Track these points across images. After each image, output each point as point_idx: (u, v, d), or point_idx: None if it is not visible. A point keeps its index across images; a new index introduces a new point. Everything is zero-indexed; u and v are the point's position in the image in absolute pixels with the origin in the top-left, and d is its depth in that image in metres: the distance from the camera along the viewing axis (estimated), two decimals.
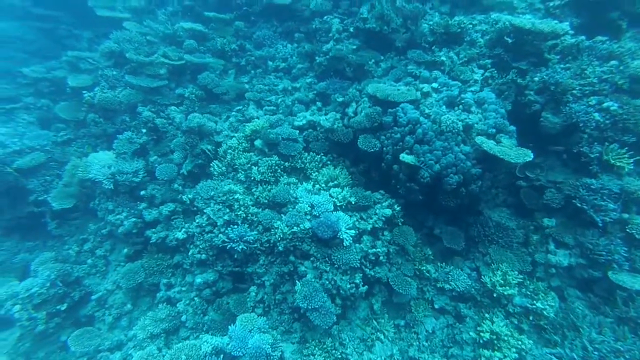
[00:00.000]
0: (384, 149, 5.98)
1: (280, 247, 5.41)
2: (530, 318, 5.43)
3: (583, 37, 6.06)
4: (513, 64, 6.22)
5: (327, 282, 5.32)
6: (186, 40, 8.86)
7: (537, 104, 6.00)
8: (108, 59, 8.62)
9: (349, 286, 5.32)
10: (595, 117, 5.46)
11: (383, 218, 5.80)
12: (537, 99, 6.01)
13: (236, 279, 6.01)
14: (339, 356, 5.18)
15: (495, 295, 5.48)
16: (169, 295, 6.08)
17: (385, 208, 5.85)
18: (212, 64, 8.45)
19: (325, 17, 8.28)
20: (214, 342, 4.71)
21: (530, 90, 6.03)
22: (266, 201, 5.97)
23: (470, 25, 6.75)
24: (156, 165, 6.68)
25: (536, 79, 6.01)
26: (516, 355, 5.01)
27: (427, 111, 5.90)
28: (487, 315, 5.44)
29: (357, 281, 5.40)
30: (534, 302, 5.38)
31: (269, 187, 6.12)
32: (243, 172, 6.22)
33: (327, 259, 5.47)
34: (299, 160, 6.42)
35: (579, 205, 5.43)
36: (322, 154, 6.63)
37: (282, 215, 5.79)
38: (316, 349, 5.20)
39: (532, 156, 5.12)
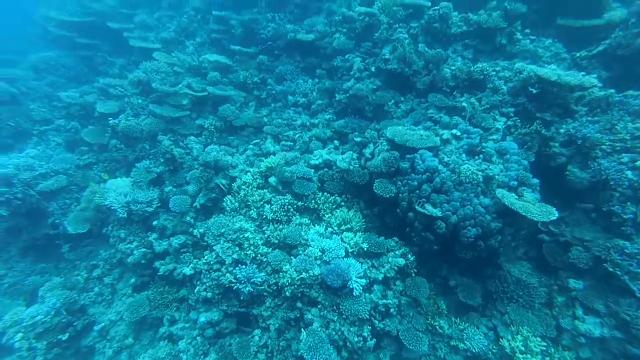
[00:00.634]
0: (400, 195, 5.82)
1: (287, 293, 5.23)
2: None
3: (613, 91, 5.85)
4: (537, 114, 6.05)
5: (334, 333, 5.07)
6: (210, 72, 9.15)
7: (563, 157, 5.75)
8: (136, 87, 8.96)
9: (356, 339, 5.05)
10: (628, 176, 5.16)
11: (396, 267, 5.56)
12: (563, 151, 5.78)
13: (241, 319, 5.83)
14: None
15: None
16: (172, 332, 5.94)
17: (398, 257, 5.62)
18: (234, 97, 8.63)
19: (347, 56, 8.39)
20: None
21: (555, 142, 5.81)
22: (277, 241, 5.85)
23: (494, 72, 6.66)
24: (171, 195, 6.71)
25: (562, 130, 5.80)
26: None
27: (446, 159, 5.75)
28: None
29: (366, 334, 5.12)
30: None
31: (281, 226, 6.02)
32: (255, 210, 6.16)
33: (335, 307, 5.25)
34: (313, 201, 6.33)
35: (610, 269, 5.05)
36: (336, 194, 6.52)
37: (292, 257, 5.64)
38: None
39: (557, 215, 4.85)
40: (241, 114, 8.31)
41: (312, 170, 6.65)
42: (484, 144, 5.88)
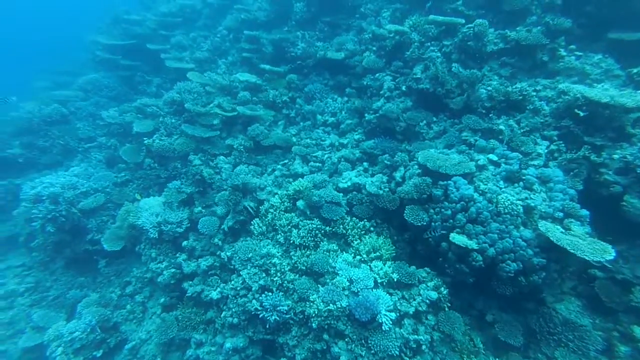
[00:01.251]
0: (433, 223, 5.55)
1: (314, 324, 5.09)
2: None
3: None
4: (585, 138, 5.60)
5: None
6: (241, 91, 9.30)
7: (618, 186, 5.25)
8: (170, 106, 9.28)
9: None
10: None
11: (428, 301, 5.26)
12: (618, 179, 5.28)
13: (266, 347, 5.74)
14: None
15: None
16: (198, 355, 5.94)
17: (430, 290, 5.33)
18: (263, 116, 8.71)
19: (377, 75, 8.24)
20: None
21: (608, 169, 5.33)
22: (304, 268, 5.74)
23: (534, 92, 6.25)
24: (200, 216, 6.81)
25: (616, 156, 5.31)
26: None
27: (482, 187, 5.42)
28: None
29: None
30: None
31: (308, 252, 5.91)
32: (283, 234, 6.10)
33: (363, 342, 5.03)
34: (341, 226, 6.18)
35: None
36: (365, 219, 6.34)
37: (319, 285, 5.51)
38: None
39: (614, 254, 4.39)
40: (270, 133, 8.36)
41: (341, 194, 6.51)
42: (524, 170, 5.50)
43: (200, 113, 8.57)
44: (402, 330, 5.10)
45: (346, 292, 5.28)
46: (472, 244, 4.93)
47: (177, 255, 6.61)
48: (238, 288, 5.66)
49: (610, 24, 6.84)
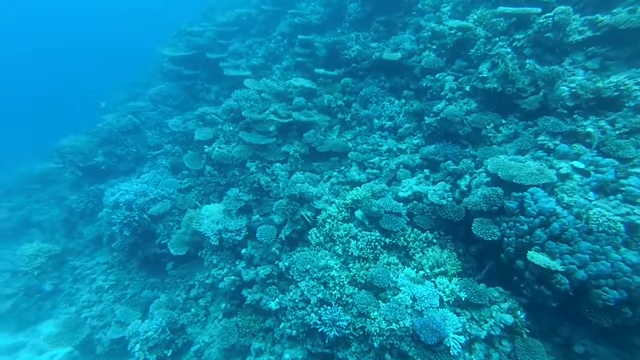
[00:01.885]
0: (505, 239, 5.03)
1: (375, 343, 4.88)
2: None
3: None
4: None
5: None
6: (296, 97, 9.33)
7: None
8: (228, 114, 9.62)
9: None
10: None
11: (502, 325, 4.78)
12: None
13: None
14: None
15: None
16: None
17: (505, 313, 4.84)
18: (318, 122, 8.65)
19: (437, 75, 7.74)
20: None
21: None
22: (363, 281, 5.55)
23: (637, 87, 5.34)
24: (258, 224, 6.93)
25: None
26: None
27: (566, 199, 4.79)
28: None
29: None
30: None
31: (367, 264, 5.71)
32: (341, 245, 5.96)
33: None
34: (402, 237, 5.88)
35: None
36: (427, 230, 5.97)
37: (379, 301, 5.29)
38: None
39: None
40: (325, 139, 8.27)
41: (401, 203, 6.20)
42: (622, 180, 4.75)
43: (257, 120, 8.75)
44: (472, 356, 4.69)
45: (409, 311, 4.99)
46: (556, 265, 4.36)
47: (237, 262, 6.79)
48: (296, 300, 5.64)
49: None
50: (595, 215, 4.39)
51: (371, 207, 6.01)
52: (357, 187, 6.55)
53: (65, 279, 9.73)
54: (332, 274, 5.63)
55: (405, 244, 5.87)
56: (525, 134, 6.20)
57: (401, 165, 7.14)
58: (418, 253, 5.75)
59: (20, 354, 8.38)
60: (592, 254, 4.31)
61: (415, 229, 5.99)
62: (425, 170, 6.85)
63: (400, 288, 5.25)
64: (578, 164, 5.13)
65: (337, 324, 5.14)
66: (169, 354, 6.52)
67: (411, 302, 5.03)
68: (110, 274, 8.68)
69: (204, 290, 7.32)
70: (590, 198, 4.76)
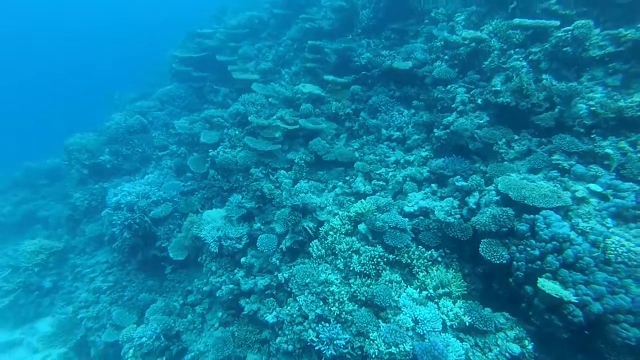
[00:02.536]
0: (515, 263, 4.80)
1: None
2: None
3: None
4: None
5: None
6: (303, 103, 9.19)
7: None
8: (234, 118, 9.51)
9: None
10: None
11: (508, 354, 4.55)
12: None
13: None
14: None
15: None
16: None
17: (511, 342, 4.60)
18: (325, 130, 8.49)
19: (449, 86, 7.53)
20: None
21: None
22: (364, 298, 5.36)
23: None
24: (259, 233, 6.79)
25: None
26: None
27: (581, 225, 4.55)
28: None
29: None
30: None
31: (369, 281, 5.52)
32: (342, 260, 5.78)
33: None
34: (406, 255, 5.68)
35: None
36: (432, 248, 5.76)
37: (379, 320, 5.09)
38: None
39: None
40: (332, 147, 8.10)
41: (406, 219, 6.00)
42: None
43: (263, 126, 8.63)
44: None
45: (410, 333, 4.79)
46: (569, 295, 4.12)
47: (236, 271, 6.65)
48: (294, 315, 5.46)
49: None
50: (614, 245, 4.15)
51: (375, 221, 5.82)
52: (362, 200, 6.37)
53: (65, 276, 9.71)
54: (332, 289, 5.45)
55: (410, 261, 5.67)
56: (538, 151, 5.96)
57: (408, 178, 6.94)
58: (422, 272, 5.54)
59: (16, 352, 8.35)
60: (609, 286, 4.06)
61: (420, 247, 5.78)
62: (433, 185, 6.64)
63: (402, 308, 5.04)
64: (595, 187, 4.89)
65: (335, 342, 4.96)
66: None
67: (413, 324, 4.83)
68: (109, 275, 8.61)
69: (202, 297, 7.19)
70: (608, 225, 4.52)
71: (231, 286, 6.50)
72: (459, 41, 7.68)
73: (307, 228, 6.27)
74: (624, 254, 4.05)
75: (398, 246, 5.71)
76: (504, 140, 6.40)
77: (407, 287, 5.41)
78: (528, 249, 4.68)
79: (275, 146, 8.21)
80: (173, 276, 7.99)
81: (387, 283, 5.44)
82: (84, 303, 8.13)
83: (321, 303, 5.39)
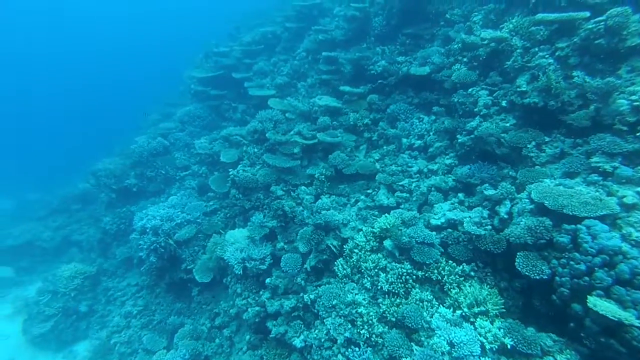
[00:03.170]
0: (557, 278, 4.42)
1: None
2: None
3: None
4: None
5: None
6: (320, 116, 9.10)
7: None
8: (252, 135, 9.54)
9: None
10: None
11: None
12: None
13: None
14: None
15: None
16: None
17: None
18: (343, 142, 8.35)
19: (470, 90, 7.22)
20: None
21: None
22: (394, 319, 5.12)
23: None
24: (282, 252, 6.69)
25: None
26: None
27: (634, 235, 4.13)
28: None
29: None
30: None
31: (398, 300, 5.27)
32: (369, 278, 5.57)
33: None
34: (435, 271, 5.40)
35: None
36: (463, 262, 5.44)
37: (412, 343, 4.83)
38: None
39: None
40: (352, 160, 7.93)
41: (434, 232, 5.73)
42: None
43: (281, 142, 8.59)
44: None
45: (447, 358, 4.50)
46: (630, 317, 3.72)
47: (261, 292, 6.56)
48: (322, 339, 5.29)
49: None
50: None
51: (401, 237, 5.59)
52: (386, 215, 6.14)
53: (99, 300, 10.00)
54: (360, 310, 5.25)
55: (440, 277, 5.38)
56: (574, 153, 5.55)
57: (433, 188, 6.66)
58: (454, 289, 5.24)
59: None
60: None
61: (450, 261, 5.48)
62: (460, 194, 6.33)
63: (436, 330, 4.76)
64: None
65: None
66: None
67: (448, 348, 4.54)
68: (139, 299, 8.77)
69: (229, 319, 7.15)
70: None
71: (257, 308, 6.41)
72: (478, 42, 7.36)
73: (331, 246, 6.11)
74: None
75: (427, 262, 5.44)
76: (533, 143, 6.03)
77: (439, 305, 5.13)
78: (572, 262, 4.30)
79: (294, 162, 8.14)
80: (200, 298, 8.02)
81: (417, 302, 5.18)
82: (116, 327, 8.31)
83: (349, 325, 5.20)
